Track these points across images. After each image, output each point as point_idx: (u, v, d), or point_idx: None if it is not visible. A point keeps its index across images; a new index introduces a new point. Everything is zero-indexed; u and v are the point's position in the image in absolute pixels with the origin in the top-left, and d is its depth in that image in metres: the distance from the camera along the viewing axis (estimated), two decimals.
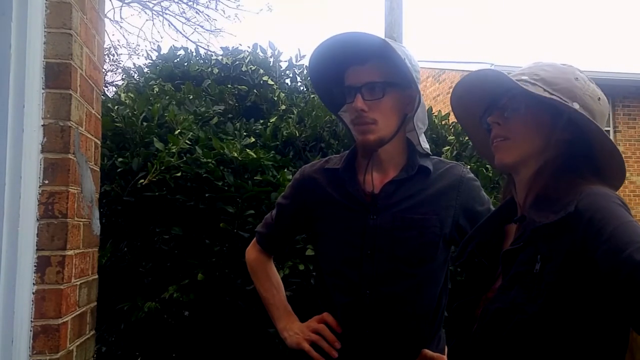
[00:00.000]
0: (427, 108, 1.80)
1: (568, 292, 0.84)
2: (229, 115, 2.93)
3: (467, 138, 3.03)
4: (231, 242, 2.23)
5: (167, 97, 2.83)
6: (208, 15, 10.80)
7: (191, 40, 10.05)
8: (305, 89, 3.45)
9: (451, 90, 1.12)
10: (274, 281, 1.52)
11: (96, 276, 1.72)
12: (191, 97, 2.90)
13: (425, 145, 1.39)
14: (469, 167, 2.50)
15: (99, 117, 1.75)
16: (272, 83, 3.22)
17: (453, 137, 3.01)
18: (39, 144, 1.40)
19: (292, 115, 2.80)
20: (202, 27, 10.14)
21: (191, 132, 2.40)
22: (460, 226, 1.34)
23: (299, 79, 3.56)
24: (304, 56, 3.45)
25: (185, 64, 3.45)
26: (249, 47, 3.61)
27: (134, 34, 26.07)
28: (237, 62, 3.37)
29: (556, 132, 0.97)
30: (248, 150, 2.38)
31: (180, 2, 9.89)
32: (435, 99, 11.70)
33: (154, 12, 10.00)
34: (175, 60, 3.52)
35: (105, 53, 7.90)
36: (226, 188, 2.25)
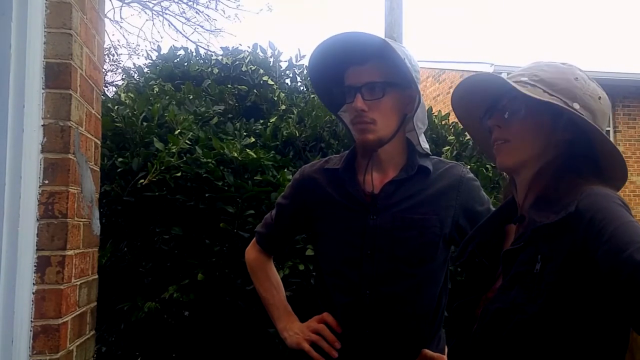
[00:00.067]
0: (427, 108, 1.80)
1: (568, 292, 0.84)
2: (229, 115, 2.92)
3: (467, 138, 3.04)
4: (231, 242, 2.23)
5: (167, 97, 2.83)
6: (208, 15, 10.80)
7: (191, 40, 10.06)
8: (305, 89, 3.45)
9: (451, 90, 1.12)
10: (274, 281, 1.52)
11: (96, 276, 1.72)
12: (191, 97, 2.90)
13: (425, 145, 1.39)
14: (469, 167, 2.50)
15: (99, 117, 1.75)
16: (272, 83, 3.22)
17: (453, 137, 3.01)
18: (39, 144, 1.40)
19: (292, 115, 2.80)
20: (202, 27, 10.15)
21: (191, 132, 2.40)
22: (460, 226, 1.34)
23: (299, 79, 3.56)
24: (304, 56, 3.45)
25: (185, 64, 3.45)
26: (249, 47, 3.62)
27: (134, 34, 26.07)
28: (237, 62, 3.37)
29: (557, 132, 0.97)
30: (248, 150, 2.38)
31: (180, 2, 9.90)
32: (435, 99, 11.71)
33: (154, 12, 10.01)
34: (175, 60, 3.52)
35: (105, 53, 7.90)
36: (226, 188, 2.25)
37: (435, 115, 3.15)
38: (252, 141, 2.57)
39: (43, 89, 1.42)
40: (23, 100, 1.37)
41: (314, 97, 3.03)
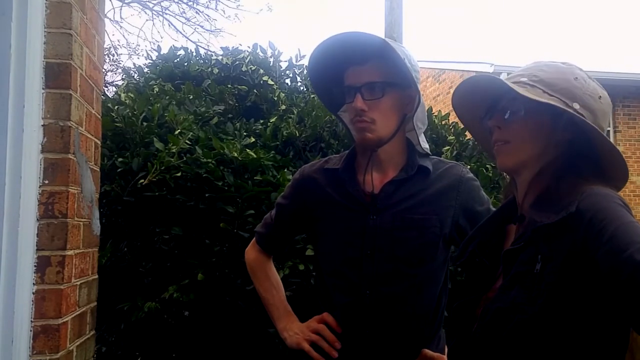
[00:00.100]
0: (427, 108, 1.80)
1: (568, 292, 0.84)
2: (229, 115, 2.92)
3: (467, 138, 3.04)
4: (231, 242, 2.23)
5: (167, 97, 2.83)
6: (208, 15, 10.81)
7: (191, 40, 10.06)
8: (305, 89, 3.45)
9: (451, 90, 1.12)
10: (274, 281, 1.52)
11: (96, 276, 1.72)
12: (191, 97, 2.90)
13: (425, 145, 1.39)
14: (469, 167, 2.50)
15: (99, 117, 1.75)
16: (272, 83, 3.22)
17: (453, 137, 3.01)
18: (39, 144, 1.40)
19: (292, 115, 2.80)
20: (202, 27, 10.16)
21: (191, 132, 2.40)
22: (459, 226, 1.34)
23: (299, 79, 3.56)
24: (304, 56, 3.45)
25: (185, 64, 3.45)
26: (249, 47, 3.62)
27: (134, 34, 26.09)
28: (237, 62, 3.37)
29: (557, 133, 0.97)
30: (248, 150, 2.38)
31: (180, 2, 9.90)
32: (435, 99, 11.71)
33: (154, 12, 10.02)
34: (175, 60, 3.52)
35: (105, 53, 7.90)
36: (226, 188, 2.25)
37: (435, 115, 3.15)
38: (252, 141, 2.57)
39: (43, 89, 1.42)
40: (23, 100, 1.37)
41: (314, 97, 3.03)
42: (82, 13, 1.54)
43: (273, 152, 2.53)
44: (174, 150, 2.26)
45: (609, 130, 10.12)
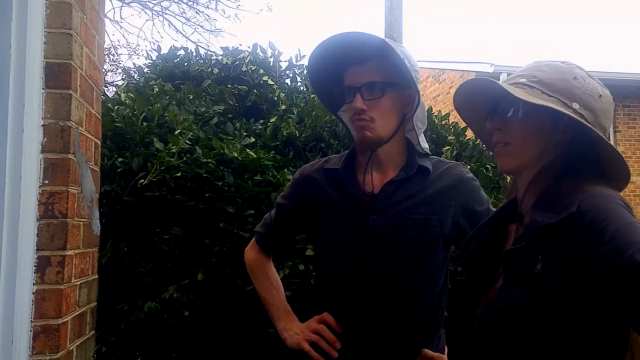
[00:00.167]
0: (426, 108, 1.80)
1: (569, 292, 0.84)
2: (229, 115, 2.92)
3: (467, 138, 3.04)
4: (231, 242, 2.23)
5: (167, 97, 2.83)
6: (208, 15, 10.81)
7: (191, 40, 10.06)
8: (305, 89, 3.45)
9: (451, 90, 1.12)
10: (273, 281, 1.52)
11: (96, 276, 1.72)
12: (191, 97, 2.90)
13: (425, 145, 1.39)
14: (469, 167, 2.50)
15: (99, 117, 1.75)
16: (272, 83, 3.22)
17: (453, 137, 3.02)
18: (39, 144, 1.40)
19: (292, 115, 2.80)
20: (202, 27, 10.16)
21: (191, 132, 2.40)
22: (459, 226, 1.34)
23: (299, 79, 3.56)
24: (304, 56, 3.45)
25: (185, 64, 3.45)
26: (249, 47, 3.62)
27: (134, 34, 26.07)
28: (237, 62, 3.37)
29: (557, 133, 0.96)
30: (248, 150, 2.38)
31: (180, 2, 9.90)
32: (435, 99, 11.70)
33: (154, 12, 10.02)
34: (175, 60, 3.52)
35: (105, 53, 7.90)
36: (226, 188, 2.25)
37: (435, 115, 3.15)
38: (252, 141, 2.57)
39: (43, 89, 1.42)
40: (23, 100, 1.37)
41: (314, 97, 3.03)
42: (82, 13, 1.54)
43: (273, 152, 2.53)
44: (174, 150, 2.26)
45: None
